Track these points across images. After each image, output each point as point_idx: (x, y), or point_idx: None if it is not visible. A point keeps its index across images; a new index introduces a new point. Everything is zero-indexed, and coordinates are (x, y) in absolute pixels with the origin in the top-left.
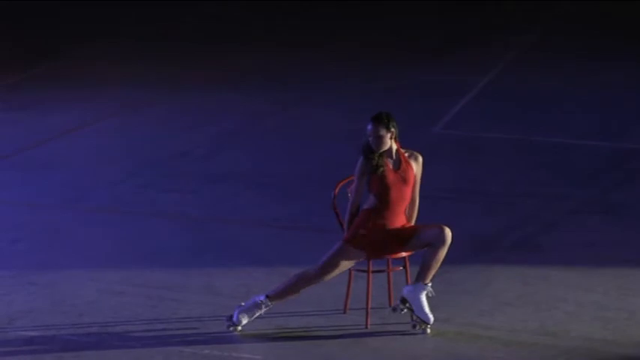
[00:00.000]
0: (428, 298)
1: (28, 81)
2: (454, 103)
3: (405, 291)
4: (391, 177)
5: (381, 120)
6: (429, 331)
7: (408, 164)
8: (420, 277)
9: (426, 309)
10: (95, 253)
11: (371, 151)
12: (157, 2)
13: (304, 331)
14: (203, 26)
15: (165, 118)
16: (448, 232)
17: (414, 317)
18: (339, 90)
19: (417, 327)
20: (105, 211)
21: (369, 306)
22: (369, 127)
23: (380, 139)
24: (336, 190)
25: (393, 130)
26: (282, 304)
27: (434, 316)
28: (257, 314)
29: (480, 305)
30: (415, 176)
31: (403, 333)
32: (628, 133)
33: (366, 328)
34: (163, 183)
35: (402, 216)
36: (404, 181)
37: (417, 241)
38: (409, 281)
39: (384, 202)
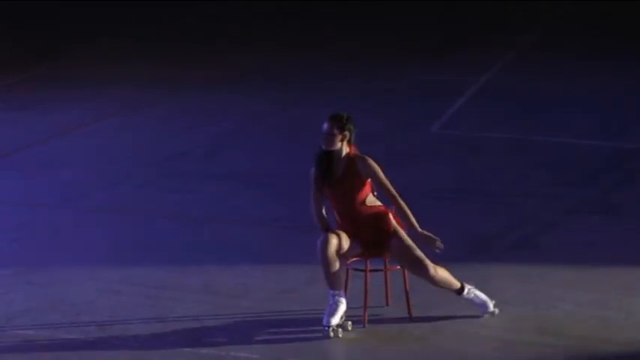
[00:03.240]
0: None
1: (28, 81)
2: (454, 103)
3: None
4: (335, 189)
5: (336, 119)
6: (496, 311)
7: (355, 171)
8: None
9: (481, 301)
10: (94, 252)
11: (320, 159)
12: (157, 2)
13: (301, 331)
14: (203, 26)
15: (165, 118)
16: (428, 274)
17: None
18: (339, 90)
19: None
20: (104, 210)
21: (367, 305)
22: (324, 124)
23: (328, 137)
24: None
25: (346, 132)
26: (280, 304)
27: (432, 313)
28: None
29: None
30: (370, 179)
31: (400, 332)
32: (628, 133)
33: (364, 327)
34: (163, 183)
35: (366, 219)
36: (350, 190)
37: (398, 258)
38: (407, 280)
39: (336, 212)
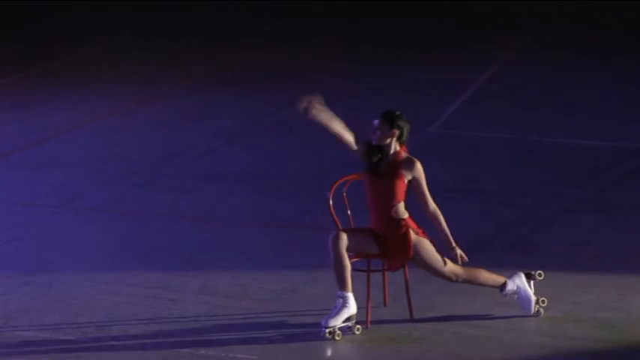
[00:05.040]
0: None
1: (26, 80)
2: (453, 103)
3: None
4: (374, 183)
5: (386, 115)
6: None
7: (398, 170)
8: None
9: (522, 301)
10: (92, 252)
11: (371, 149)
12: (157, 2)
13: (301, 332)
14: (203, 26)
15: (163, 117)
16: (451, 281)
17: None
18: (339, 89)
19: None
20: (102, 210)
21: (370, 305)
22: (375, 120)
23: (376, 132)
24: (332, 191)
25: (395, 129)
26: (279, 305)
27: (431, 314)
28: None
29: (477, 305)
30: (410, 182)
31: (400, 333)
32: (628, 133)
33: (367, 328)
34: (161, 182)
35: (380, 221)
36: (387, 188)
37: (419, 263)
38: (408, 282)
39: (368, 204)
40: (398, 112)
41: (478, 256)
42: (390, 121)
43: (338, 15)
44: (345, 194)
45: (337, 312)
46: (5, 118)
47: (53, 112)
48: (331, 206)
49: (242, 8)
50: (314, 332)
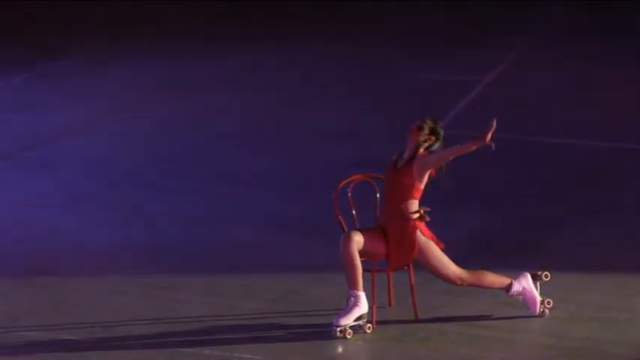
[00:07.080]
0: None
1: (28, 81)
2: (454, 104)
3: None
4: (389, 176)
5: (432, 122)
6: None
7: (410, 170)
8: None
9: (527, 302)
10: (96, 253)
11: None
12: (157, 2)
13: (305, 332)
14: (203, 26)
15: (165, 118)
16: (456, 286)
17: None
18: (340, 90)
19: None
20: (105, 211)
21: (375, 305)
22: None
23: (413, 132)
24: (337, 191)
25: (433, 137)
26: (283, 305)
27: (436, 315)
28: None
29: (481, 305)
30: (425, 169)
31: (405, 333)
32: (628, 133)
33: (372, 327)
34: (164, 183)
35: (390, 217)
36: (396, 184)
37: (425, 266)
38: (412, 282)
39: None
40: (434, 120)
41: (480, 257)
42: (433, 129)
43: (339, 15)
44: (349, 194)
45: (349, 311)
46: (7, 118)
47: (54, 112)
48: (336, 206)
49: (242, 8)
50: (319, 332)
